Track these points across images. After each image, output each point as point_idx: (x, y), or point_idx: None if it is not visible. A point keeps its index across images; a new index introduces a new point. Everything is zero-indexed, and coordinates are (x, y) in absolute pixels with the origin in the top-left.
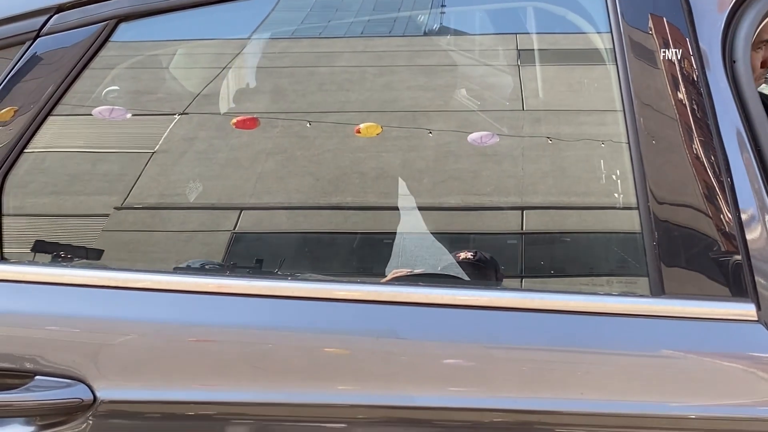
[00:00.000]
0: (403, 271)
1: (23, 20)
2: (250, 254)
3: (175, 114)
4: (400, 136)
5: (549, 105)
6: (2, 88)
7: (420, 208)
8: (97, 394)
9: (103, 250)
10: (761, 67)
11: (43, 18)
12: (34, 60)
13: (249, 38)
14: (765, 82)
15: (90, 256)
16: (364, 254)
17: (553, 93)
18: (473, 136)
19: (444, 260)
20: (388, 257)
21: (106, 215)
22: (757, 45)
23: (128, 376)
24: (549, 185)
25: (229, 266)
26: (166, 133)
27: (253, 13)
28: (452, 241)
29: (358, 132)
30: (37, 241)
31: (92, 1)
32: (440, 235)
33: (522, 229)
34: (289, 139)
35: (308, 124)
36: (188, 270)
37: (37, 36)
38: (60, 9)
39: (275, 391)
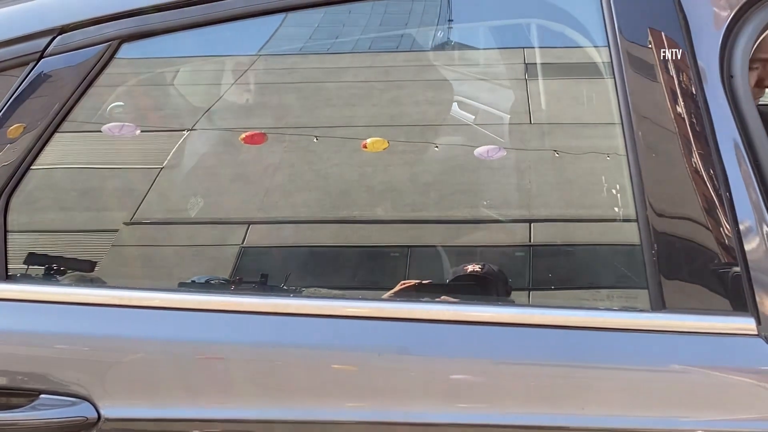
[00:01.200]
0: (411, 282)
1: (27, 41)
2: (258, 269)
3: (183, 130)
4: (407, 150)
5: (556, 119)
6: (7, 108)
7: (427, 222)
8: (102, 412)
9: (95, 262)
10: (755, 86)
11: (47, 39)
12: (38, 81)
13: (256, 55)
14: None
15: (83, 267)
16: (373, 268)
17: (561, 107)
18: (480, 150)
19: (452, 273)
20: (396, 270)
21: (116, 230)
22: (750, 65)
23: (132, 394)
24: (556, 198)
25: (235, 281)
26: (174, 149)
27: (259, 31)
28: (459, 253)
29: (365, 147)
30: (29, 253)
31: (94, 22)
32: (447, 248)
33: (530, 241)
34: (296, 154)
35: (315, 139)
36: (192, 287)
37: (41, 57)
38: (63, 30)
39: (281, 408)
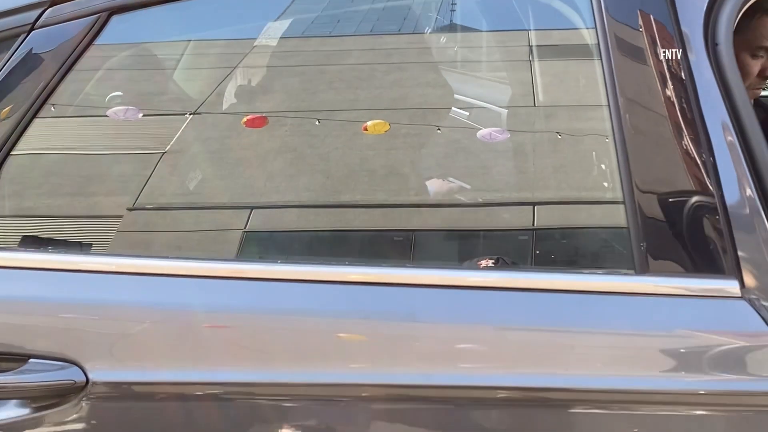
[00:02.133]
0: None
1: (17, 14)
2: (260, 253)
3: (185, 113)
4: (409, 133)
5: (559, 101)
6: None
7: (430, 206)
8: (90, 376)
9: (90, 244)
10: (758, 76)
11: (37, 12)
12: (29, 53)
13: (255, 37)
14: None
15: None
16: (374, 251)
17: (564, 88)
18: (482, 133)
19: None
20: (398, 254)
21: (119, 216)
22: (755, 52)
23: (119, 358)
24: (559, 180)
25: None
26: (178, 134)
27: (260, 13)
28: (462, 237)
29: (365, 129)
30: (24, 236)
31: None
32: (451, 233)
33: (533, 224)
34: (298, 138)
35: (317, 122)
36: (175, 255)
37: (32, 29)
38: (53, 3)
39: (264, 371)
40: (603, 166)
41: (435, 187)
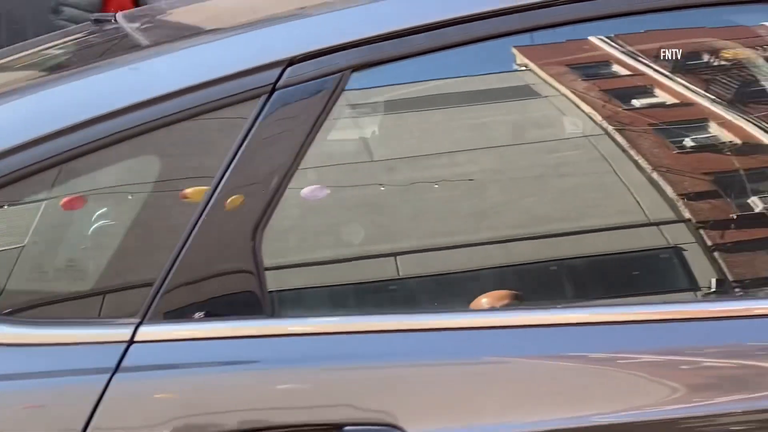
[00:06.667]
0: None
1: (256, 74)
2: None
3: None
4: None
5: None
6: (247, 144)
7: None
8: None
9: None
10: None
11: (278, 71)
12: (274, 114)
13: None
14: None
15: None
16: None
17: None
18: (305, 191)
19: None
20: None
21: None
22: None
23: (442, 418)
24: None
25: None
26: None
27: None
28: None
29: (185, 197)
30: None
31: (322, 53)
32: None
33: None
34: None
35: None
36: None
37: (274, 89)
38: (291, 62)
39: None
40: None
41: None
